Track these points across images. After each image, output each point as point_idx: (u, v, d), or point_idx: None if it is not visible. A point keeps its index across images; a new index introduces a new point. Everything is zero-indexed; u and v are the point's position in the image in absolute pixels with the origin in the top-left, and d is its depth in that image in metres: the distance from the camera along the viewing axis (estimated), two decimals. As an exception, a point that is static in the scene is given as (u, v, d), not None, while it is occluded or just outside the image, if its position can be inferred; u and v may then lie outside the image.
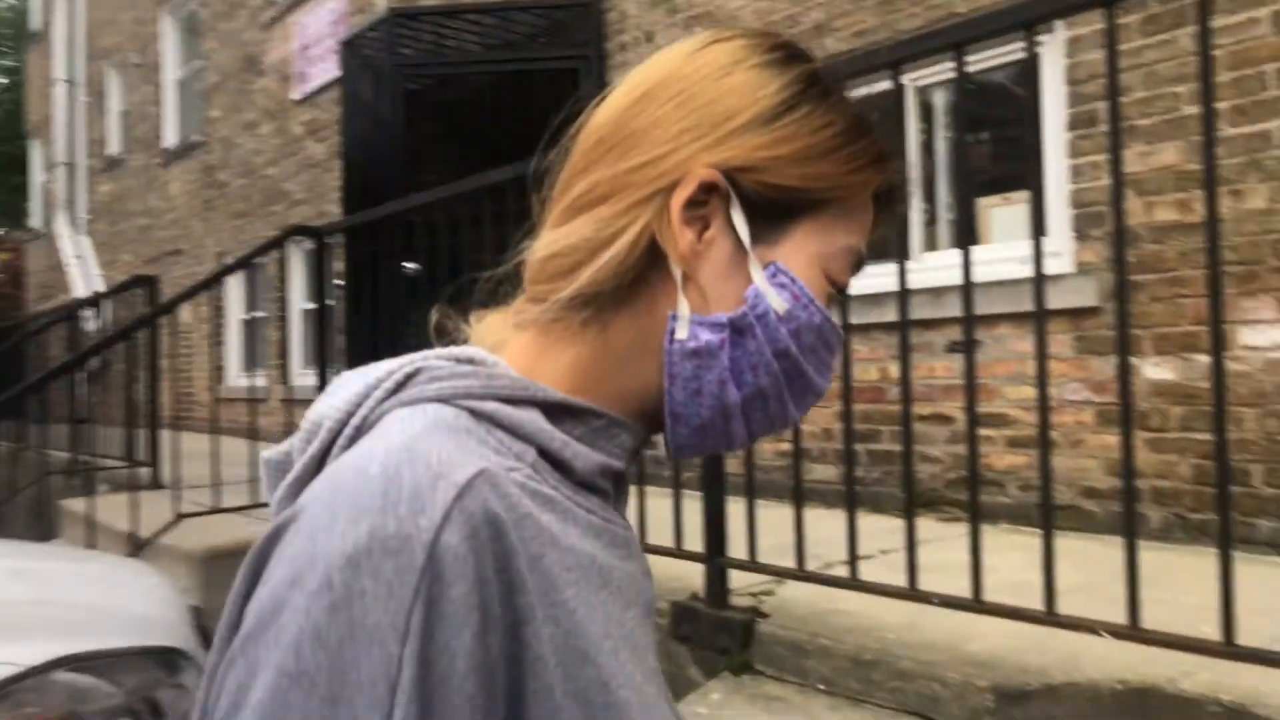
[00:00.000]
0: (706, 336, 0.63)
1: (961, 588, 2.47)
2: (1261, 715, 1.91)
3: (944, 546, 3.53)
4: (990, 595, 2.28)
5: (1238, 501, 3.34)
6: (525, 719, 0.52)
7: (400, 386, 0.60)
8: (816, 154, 0.63)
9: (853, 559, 2.40)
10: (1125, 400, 2.00)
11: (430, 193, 3.69)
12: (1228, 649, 1.78)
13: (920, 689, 2.25)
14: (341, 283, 6.45)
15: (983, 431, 4.01)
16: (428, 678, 0.48)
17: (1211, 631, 2.17)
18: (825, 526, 3.90)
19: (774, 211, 0.64)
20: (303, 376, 7.55)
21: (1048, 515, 2.16)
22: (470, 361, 0.63)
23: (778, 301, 0.63)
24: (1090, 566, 2.84)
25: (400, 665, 0.47)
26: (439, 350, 0.65)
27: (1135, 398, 3.60)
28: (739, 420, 0.65)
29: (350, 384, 0.62)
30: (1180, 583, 2.58)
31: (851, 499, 2.53)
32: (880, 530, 3.91)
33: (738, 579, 2.91)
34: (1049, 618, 2.01)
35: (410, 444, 0.53)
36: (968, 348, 2.33)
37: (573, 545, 0.57)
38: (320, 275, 4.75)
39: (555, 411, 0.62)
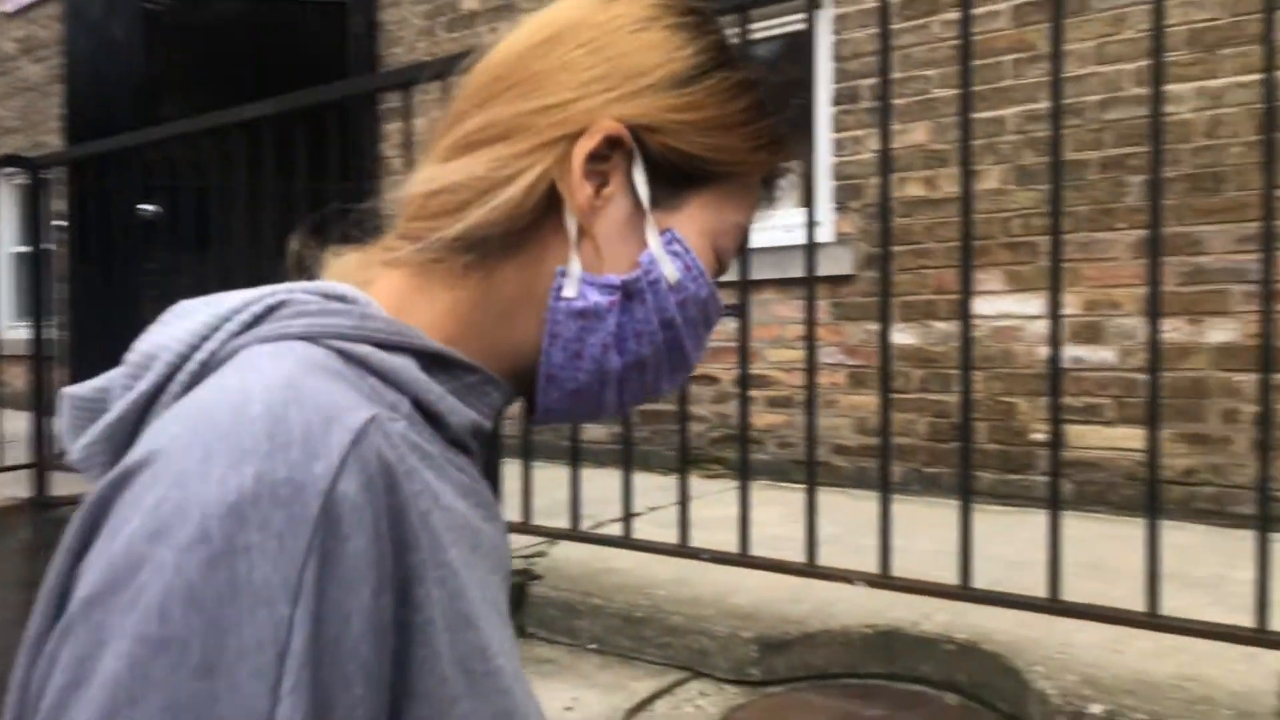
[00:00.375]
0: (595, 298, 0.60)
1: (727, 542, 2.56)
2: (988, 650, 2.10)
3: (709, 503, 3.65)
4: (752, 549, 2.37)
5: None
6: (411, 688, 0.47)
7: (258, 320, 0.54)
8: (723, 126, 0.62)
9: (627, 517, 2.42)
10: (885, 367, 2.12)
11: (172, 126, 3.32)
12: (964, 591, 1.94)
13: (690, 643, 2.30)
14: (63, 224, 5.73)
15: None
16: (320, 641, 0.43)
17: (947, 576, 2.37)
18: (596, 486, 3.92)
19: (674, 178, 0.62)
20: (13, 330, 6.67)
21: (811, 472, 2.26)
22: (341, 299, 0.57)
23: (670, 270, 0.61)
24: (841, 519, 3.03)
25: (291, 628, 0.42)
26: (304, 284, 0.59)
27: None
28: (614, 388, 0.63)
29: (194, 314, 0.54)
30: (918, 531, 2.80)
31: (628, 458, 2.54)
32: (649, 488, 4.00)
33: (512, 541, 2.87)
34: (810, 569, 2.11)
35: (293, 380, 0.48)
36: (741, 312, 2.39)
37: (450, 504, 0.53)
38: (36, 215, 4.18)
39: (428, 361, 0.57)
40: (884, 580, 2.02)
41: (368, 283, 0.62)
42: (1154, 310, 1.89)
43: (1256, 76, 3.08)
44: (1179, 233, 3.26)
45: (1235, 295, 3.17)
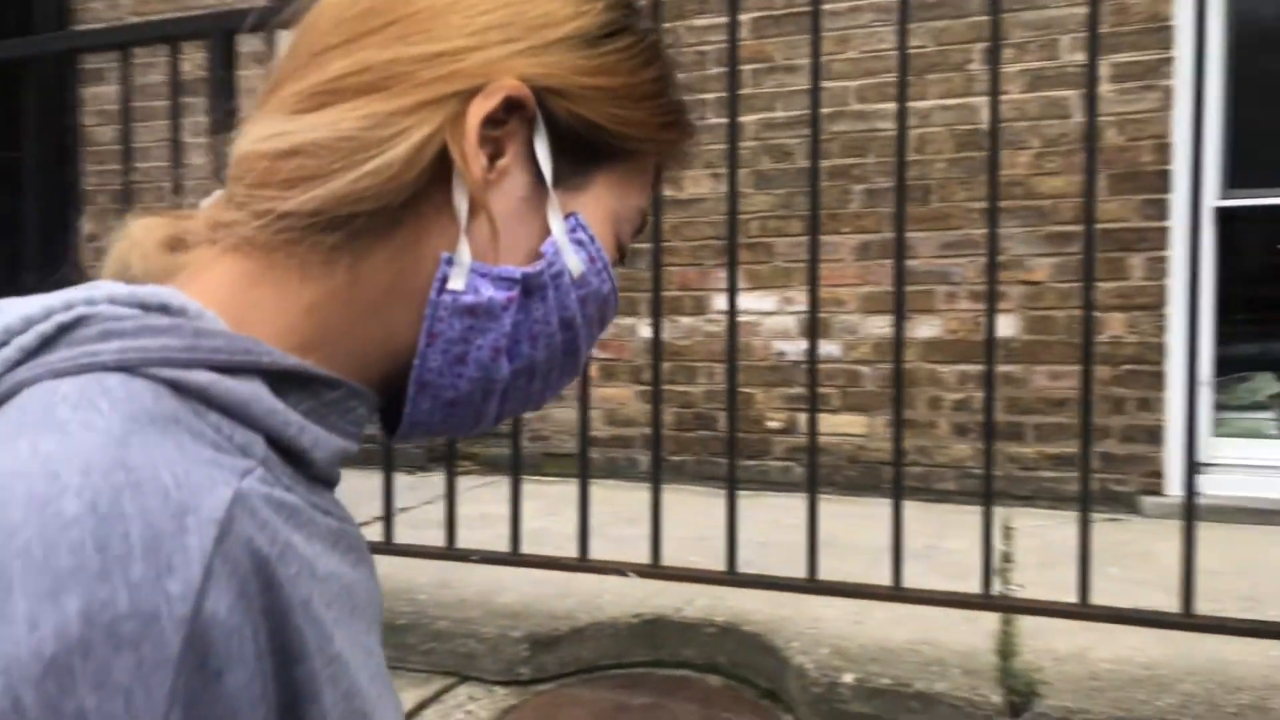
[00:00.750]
0: (490, 293, 0.50)
1: (486, 540, 2.51)
2: (748, 630, 2.21)
3: (460, 500, 3.57)
4: (500, 543, 2.34)
5: (707, 443, 3.86)
6: None
7: (48, 342, 0.41)
8: (634, 96, 0.54)
9: (388, 518, 2.30)
10: (654, 369, 2.16)
11: None
12: (730, 576, 2.02)
13: (456, 648, 2.23)
14: None
15: (496, 385, 4.14)
16: None
17: (702, 561, 2.47)
18: (339, 488, 3.71)
19: (579, 152, 0.53)
20: None
21: (584, 465, 2.26)
22: (164, 308, 0.44)
23: (574, 261, 0.53)
24: (596, 510, 3.07)
25: None
26: (109, 288, 0.44)
27: (631, 354, 3.96)
28: (497, 399, 0.54)
29: None
30: (667, 518, 2.90)
31: (389, 458, 2.41)
32: (398, 488, 3.84)
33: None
34: (583, 564, 2.11)
35: (121, 454, 0.36)
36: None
37: (326, 571, 0.43)
38: None
39: (278, 379, 0.45)
40: (655, 570, 2.06)
41: (186, 274, 0.49)
42: (899, 309, 2.06)
43: (957, 100, 3.47)
44: (892, 238, 3.59)
45: (939, 295, 3.55)
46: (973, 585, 2.43)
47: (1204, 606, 2.19)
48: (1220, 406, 3.38)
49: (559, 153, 0.52)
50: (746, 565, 2.50)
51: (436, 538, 2.55)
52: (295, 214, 0.48)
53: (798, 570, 2.35)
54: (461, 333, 0.51)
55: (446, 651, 2.24)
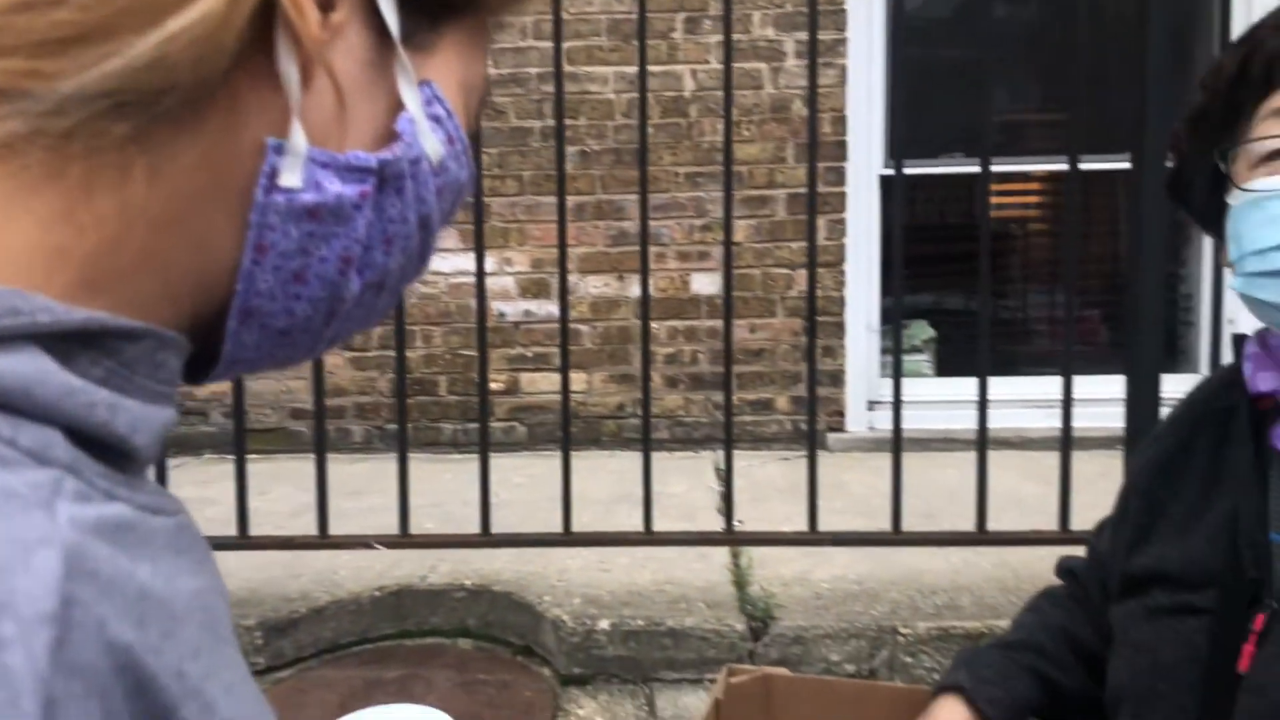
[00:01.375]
0: (337, 188, 0.39)
1: (212, 525, 2.29)
2: (499, 590, 2.20)
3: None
4: (214, 527, 2.15)
5: (427, 409, 3.76)
6: None
7: None
8: None
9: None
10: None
11: None
12: (485, 538, 2.00)
13: (177, 645, 2.01)
14: None
15: (184, 357, 3.75)
16: None
17: (436, 527, 2.42)
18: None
19: (423, 4, 0.42)
20: None
21: (320, 437, 2.11)
22: None
23: (433, 143, 0.42)
24: (309, 484, 2.89)
25: None
26: None
27: (339, 319, 3.75)
28: (340, 321, 0.42)
29: None
30: (390, 488, 2.80)
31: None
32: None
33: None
34: (324, 541, 1.99)
35: None
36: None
37: (185, 599, 0.33)
38: None
39: (61, 344, 0.32)
40: (405, 540, 1.98)
41: None
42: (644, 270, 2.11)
43: (662, 67, 3.61)
44: (606, 200, 3.69)
45: (651, 255, 3.69)
46: (700, 524, 2.60)
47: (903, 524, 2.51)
48: (885, 350, 3.84)
49: (401, 2, 0.42)
50: (507, 527, 2.48)
51: None
52: (69, 94, 0.32)
53: (542, 526, 2.37)
54: (299, 242, 0.39)
55: (165, 650, 2.01)
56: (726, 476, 2.11)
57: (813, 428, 2.16)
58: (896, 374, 2.18)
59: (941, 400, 3.62)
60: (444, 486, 3.08)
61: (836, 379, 3.71)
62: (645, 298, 2.10)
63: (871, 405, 3.78)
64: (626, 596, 2.12)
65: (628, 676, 1.99)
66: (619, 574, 2.26)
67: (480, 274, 2.16)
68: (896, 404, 2.11)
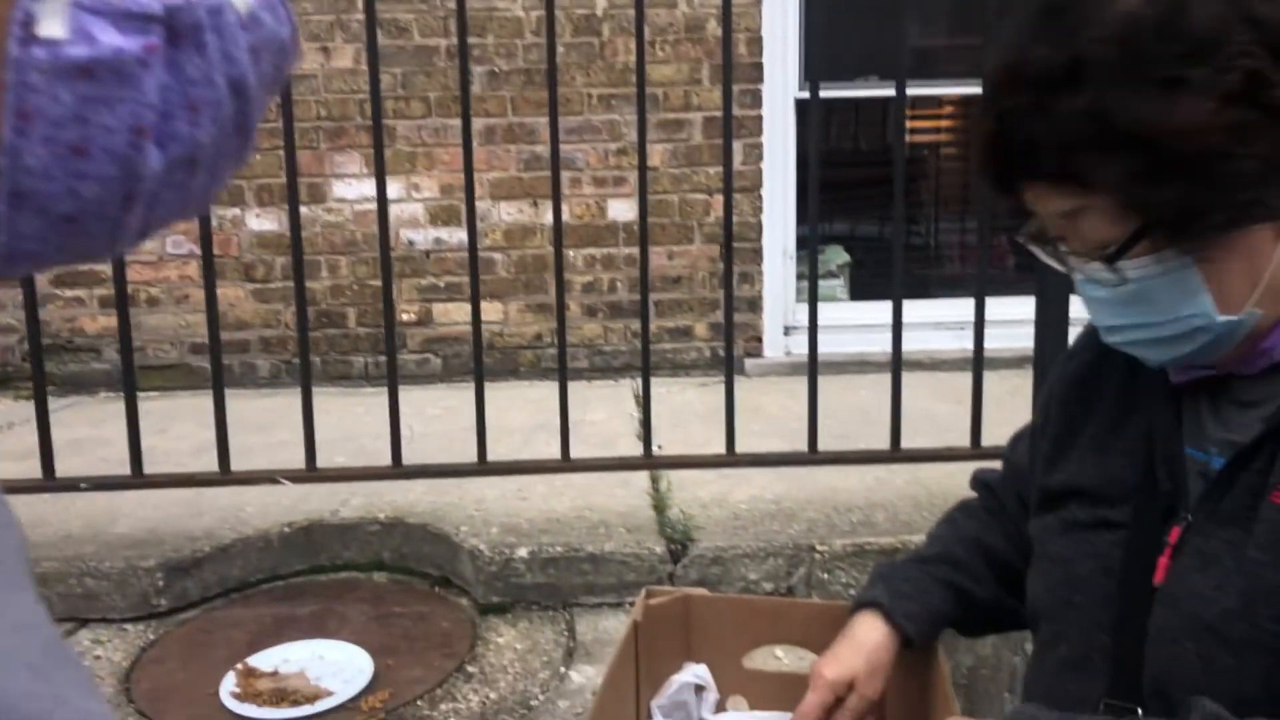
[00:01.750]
0: (113, 39, 0.33)
1: (82, 467, 2.18)
2: (414, 523, 2.15)
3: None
4: (108, 467, 2.05)
5: (336, 341, 3.64)
6: None
7: None
8: None
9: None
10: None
11: None
12: (396, 470, 1.94)
13: (70, 590, 1.92)
14: None
15: (70, 293, 3.54)
16: None
17: (347, 461, 2.35)
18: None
19: None
20: None
21: (218, 371, 2.00)
22: None
23: None
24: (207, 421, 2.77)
25: None
26: None
27: (238, 248, 3.58)
28: (143, 206, 0.36)
29: None
30: (297, 424, 2.70)
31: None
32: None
33: None
34: (225, 477, 1.90)
35: None
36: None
37: None
38: None
39: None
40: (312, 474, 1.91)
41: None
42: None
43: (573, -17, 3.47)
44: (518, 123, 3.57)
45: (565, 181, 3.60)
46: (620, 451, 2.58)
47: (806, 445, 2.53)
48: (800, 276, 3.84)
49: None
50: (424, 457, 2.42)
51: (22, 470, 2.15)
52: None
53: (458, 457, 2.32)
54: (74, 108, 0.33)
55: (58, 597, 1.92)
56: (645, 403, 2.09)
57: (730, 353, 2.14)
58: (813, 298, 2.17)
59: (856, 325, 3.65)
60: (356, 421, 2.99)
61: (754, 305, 3.71)
62: (559, 225, 2.04)
63: (788, 330, 3.80)
64: (545, 524, 2.09)
65: (547, 603, 1.97)
66: (537, 502, 2.23)
67: (382, 199, 2.06)
68: (813, 327, 2.10)
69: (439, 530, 2.10)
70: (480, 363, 2.04)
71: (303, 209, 3.54)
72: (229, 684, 1.67)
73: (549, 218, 3.56)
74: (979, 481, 1.23)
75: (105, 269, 3.53)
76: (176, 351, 3.61)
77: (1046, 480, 1.01)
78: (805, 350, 3.75)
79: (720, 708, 1.38)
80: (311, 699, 1.62)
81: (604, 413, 3.11)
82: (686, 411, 3.15)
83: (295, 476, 1.91)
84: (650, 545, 1.99)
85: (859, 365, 3.54)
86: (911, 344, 2.46)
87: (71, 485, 1.88)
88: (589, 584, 1.97)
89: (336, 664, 1.74)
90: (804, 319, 3.90)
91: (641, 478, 2.34)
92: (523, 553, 1.97)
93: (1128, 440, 0.94)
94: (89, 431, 2.91)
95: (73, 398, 3.50)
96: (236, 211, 3.54)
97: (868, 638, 1.12)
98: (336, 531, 2.16)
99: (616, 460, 2.03)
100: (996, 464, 1.17)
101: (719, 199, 3.60)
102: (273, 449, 2.47)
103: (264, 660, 1.75)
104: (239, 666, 1.72)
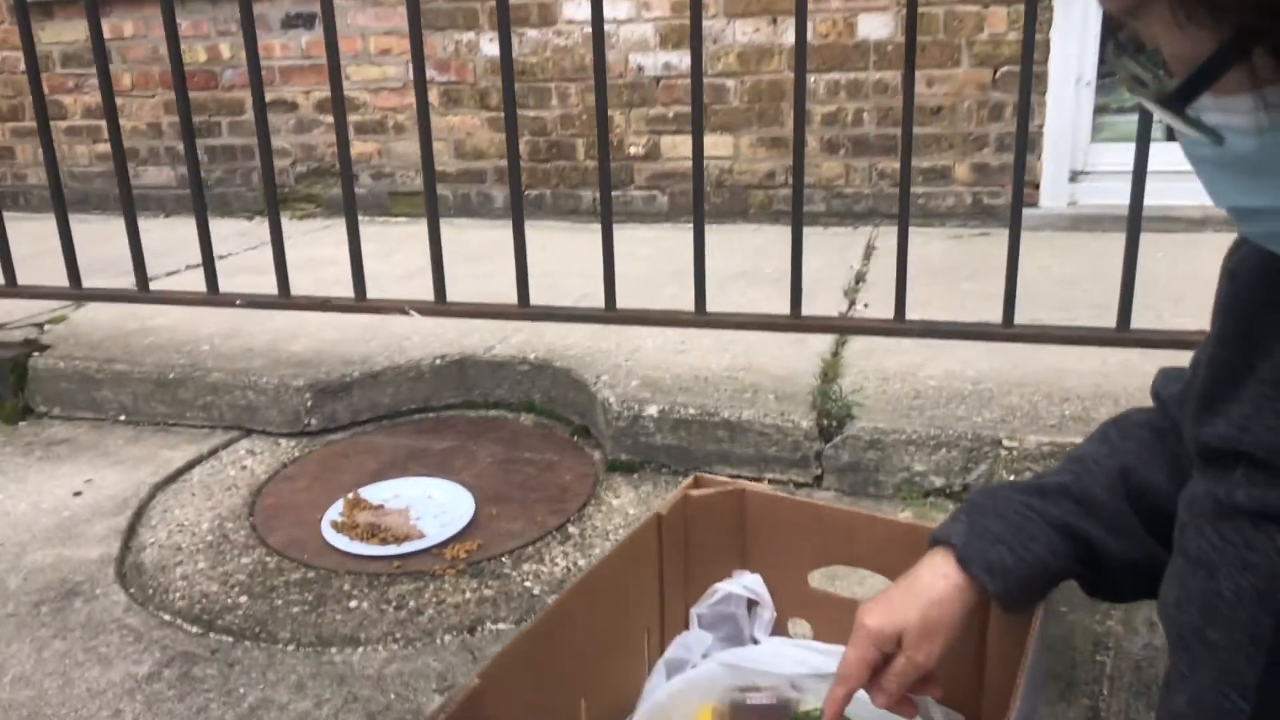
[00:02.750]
0: None
1: (309, 285, 2.23)
2: (559, 366, 2.01)
3: (299, 244, 3.25)
4: (341, 289, 2.06)
5: (566, 174, 3.54)
6: None
7: None
8: None
9: (139, 268, 1.98)
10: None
11: None
12: (521, 310, 1.79)
13: (234, 400, 2.01)
14: None
15: (328, 118, 3.69)
16: None
17: (554, 300, 2.23)
18: (159, 237, 3.36)
19: None
20: None
21: (351, 198, 1.94)
22: None
23: None
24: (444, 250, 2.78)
25: None
26: None
27: (473, 75, 3.53)
28: None
29: None
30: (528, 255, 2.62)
31: (127, 202, 2.05)
32: (230, 234, 3.49)
33: (11, 307, 2.34)
34: (359, 304, 1.86)
35: None
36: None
37: None
38: None
39: None
40: (440, 307, 1.82)
41: None
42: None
43: None
44: (761, -75, 3.12)
45: (810, -7, 3.14)
46: (818, 308, 2.26)
47: (1055, 316, 2.05)
48: (1100, 110, 3.14)
49: None
50: (584, 299, 2.27)
51: (257, 284, 2.24)
52: None
53: (652, 302, 2.13)
54: None
55: (226, 405, 2.02)
56: (794, 255, 1.75)
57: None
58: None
59: (1165, 170, 2.93)
60: (577, 257, 2.89)
61: (1032, 144, 3.10)
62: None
63: (1075, 176, 3.15)
64: (691, 382, 1.87)
65: (678, 468, 1.78)
66: (693, 357, 2.00)
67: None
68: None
69: (580, 377, 1.94)
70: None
71: (532, 32, 3.40)
72: (333, 512, 1.66)
73: (789, 37, 3.15)
74: (1157, 391, 0.84)
75: (361, 95, 3.65)
76: (420, 178, 3.68)
77: (1199, 429, 0.64)
78: (1095, 201, 3.11)
79: (779, 629, 1.13)
80: (401, 539, 1.57)
81: (822, 262, 2.76)
82: (922, 267, 2.71)
83: (424, 309, 1.83)
84: (796, 418, 1.70)
85: (1162, 221, 2.86)
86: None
87: (228, 301, 1.93)
88: (724, 453, 1.74)
89: (441, 505, 1.68)
90: (1098, 162, 3.22)
91: (823, 341, 2.03)
92: (652, 410, 1.77)
93: None
94: (331, 251, 3.06)
95: (334, 219, 3.71)
96: (470, 35, 3.47)
97: (930, 587, 0.82)
98: (488, 368, 2.08)
99: (756, 318, 1.73)
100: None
101: (997, 11, 2.98)
102: (478, 279, 2.42)
103: (375, 493, 1.72)
104: (350, 496, 1.70)
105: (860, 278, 2.63)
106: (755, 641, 1.11)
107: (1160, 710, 0.62)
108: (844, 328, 1.71)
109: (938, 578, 0.81)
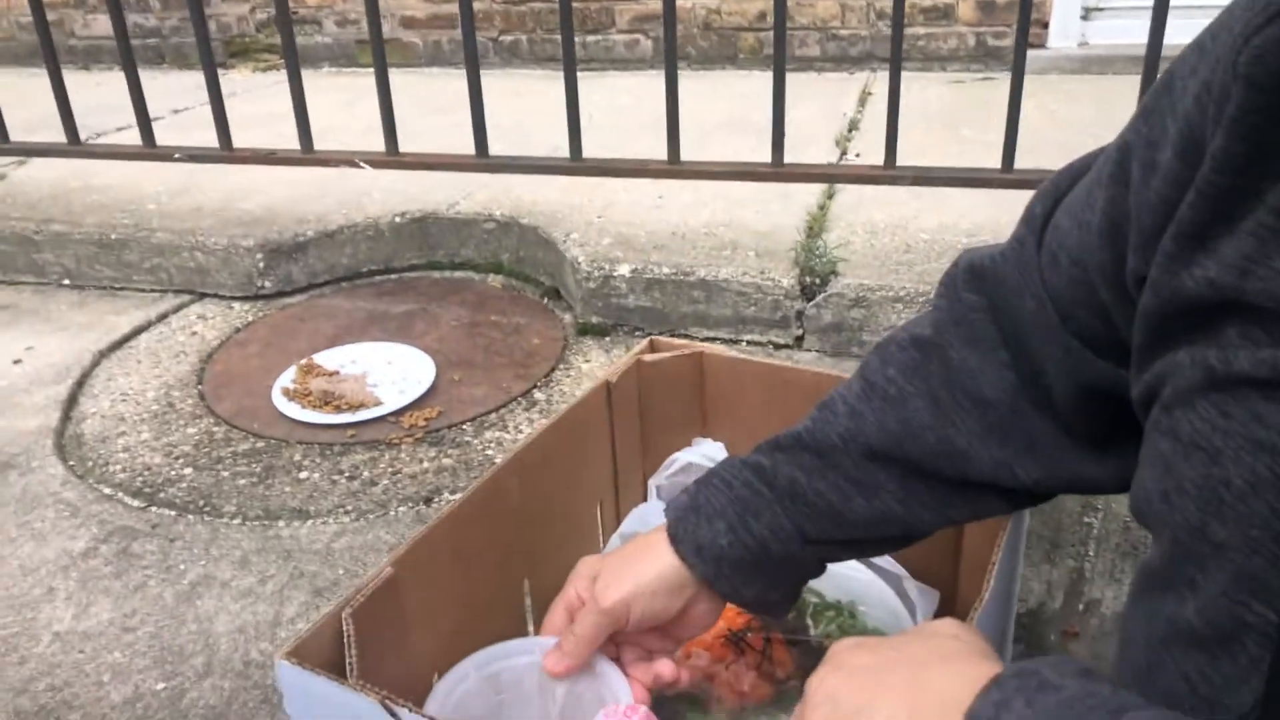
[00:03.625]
0: None
1: (270, 139, 2.08)
2: (527, 224, 1.88)
3: (258, 98, 3.06)
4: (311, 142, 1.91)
5: (543, 18, 3.30)
6: None
7: None
8: None
9: (68, 121, 1.82)
10: None
11: None
12: (479, 161, 1.65)
13: (183, 263, 1.89)
14: None
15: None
16: None
17: (505, 150, 2.07)
18: (111, 90, 3.15)
19: None
20: None
21: (290, 49, 1.76)
22: None
23: None
24: (410, 101, 2.59)
25: None
26: None
27: (443, -92, 3.24)
28: None
29: None
30: (499, 105, 2.44)
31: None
32: (190, 87, 3.28)
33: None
34: (307, 157, 1.71)
35: None
36: None
37: None
38: None
39: None
40: (393, 160, 1.67)
41: None
42: None
43: None
44: None
45: None
46: (807, 157, 2.11)
47: (1059, 163, 1.91)
48: (1124, -60, 2.89)
49: None
50: (557, 151, 2.12)
51: (211, 140, 2.08)
52: None
53: (628, 152, 1.98)
54: None
55: (175, 268, 1.90)
56: (775, 101, 1.60)
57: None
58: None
59: (1186, 4, 2.71)
60: (537, 107, 2.71)
61: (1043, -22, 2.86)
62: None
63: (1088, 13, 2.93)
64: (666, 239, 1.75)
65: (650, 330, 1.68)
66: (670, 213, 1.87)
67: None
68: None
69: (548, 235, 1.82)
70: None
71: None
72: (285, 379, 1.57)
73: None
74: (964, 271, 0.70)
75: (315, -68, 3.36)
76: (388, 25, 3.44)
77: (1177, 276, 0.49)
78: (1109, 40, 2.90)
79: (744, 499, 1.05)
80: (355, 407, 1.49)
81: (811, 110, 2.58)
82: (919, 114, 2.54)
83: (376, 161, 1.68)
84: (776, 276, 1.59)
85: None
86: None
87: (166, 155, 1.79)
88: (700, 314, 1.64)
89: (400, 371, 1.59)
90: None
91: (810, 194, 1.89)
92: (624, 270, 1.65)
93: None
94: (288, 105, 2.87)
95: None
96: None
97: (647, 568, 0.69)
98: (452, 226, 1.96)
99: (735, 168, 1.59)
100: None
101: None
102: (444, 131, 2.26)
103: (330, 358, 1.63)
104: (303, 362, 1.61)
105: (853, 126, 2.47)
106: (718, 514, 1.03)
107: (1150, 622, 0.52)
108: (829, 175, 1.58)
109: (655, 559, 0.68)
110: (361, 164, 1.68)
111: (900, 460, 0.65)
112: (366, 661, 0.64)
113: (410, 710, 0.56)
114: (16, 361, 1.68)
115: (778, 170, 1.52)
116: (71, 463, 1.41)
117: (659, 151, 1.89)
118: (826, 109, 2.62)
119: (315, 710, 0.61)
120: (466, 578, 0.79)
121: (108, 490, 1.34)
